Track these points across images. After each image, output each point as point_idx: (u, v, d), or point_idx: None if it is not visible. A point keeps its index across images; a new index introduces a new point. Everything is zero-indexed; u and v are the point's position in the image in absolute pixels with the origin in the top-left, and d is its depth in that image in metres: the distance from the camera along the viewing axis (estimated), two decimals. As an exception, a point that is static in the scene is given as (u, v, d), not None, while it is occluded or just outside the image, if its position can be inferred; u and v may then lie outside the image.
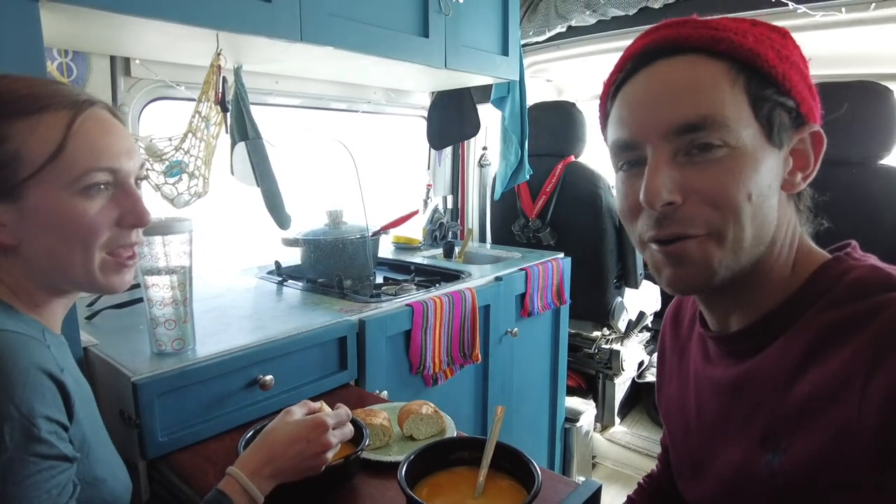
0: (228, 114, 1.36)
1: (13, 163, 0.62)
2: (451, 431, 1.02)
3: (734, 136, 0.56)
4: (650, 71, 0.60)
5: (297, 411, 0.84)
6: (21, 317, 0.67)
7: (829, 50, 2.05)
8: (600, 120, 0.70)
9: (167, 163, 1.28)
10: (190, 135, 1.28)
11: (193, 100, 1.33)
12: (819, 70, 2.24)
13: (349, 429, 0.86)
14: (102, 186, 0.67)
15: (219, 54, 1.26)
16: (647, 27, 1.99)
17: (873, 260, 0.61)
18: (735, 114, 0.56)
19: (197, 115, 1.29)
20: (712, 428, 0.69)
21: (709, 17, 0.61)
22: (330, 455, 0.81)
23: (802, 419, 0.56)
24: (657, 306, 2.69)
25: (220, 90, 1.30)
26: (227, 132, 1.38)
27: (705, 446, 0.71)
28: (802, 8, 1.67)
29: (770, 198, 0.58)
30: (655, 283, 2.74)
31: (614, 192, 2.31)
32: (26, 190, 0.63)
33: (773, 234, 0.60)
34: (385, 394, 1.32)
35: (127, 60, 1.45)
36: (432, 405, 1.04)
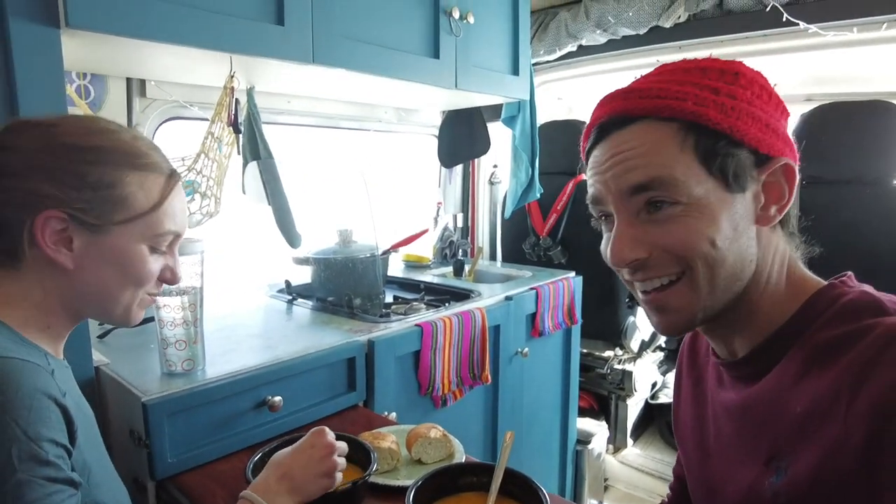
0: (240, 135, 1.38)
1: (118, 204, 0.70)
2: (460, 455, 1.01)
3: (685, 193, 0.60)
4: (608, 141, 0.65)
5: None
6: (25, 343, 0.68)
7: (841, 68, 2.04)
8: None
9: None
10: (203, 155, 1.30)
11: (206, 119, 1.35)
12: (831, 88, 2.23)
13: (343, 444, 0.86)
14: (166, 246, 0.76)
15: (232, 77, 1.28)
16: (658, 46, 1.97)
17: (866, 287, 0.63)
18: (685, 173, 0.60)
19: (210, 136, 1.30)
20: (727, 452, 0.71)
21: (658, 75, 0.65)
22: (338, 458, 0.82)
23: (800, 438, 0.58)
24: (670, 326, 2.65)
25: (233, 112, 1.31)
26: (238, 153, 1.39)
27: (721, 470, 0.72)
28: (814, 28, 1.66)
29: (738, 238, 0.61)
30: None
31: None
32: (112, 229, 0.70)
33: (754, 268, 0.63)
34: (394, 415, 1.31)
35: (142, 82, 1.48)
36: (441, 429, 1.03)
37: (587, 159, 0.69)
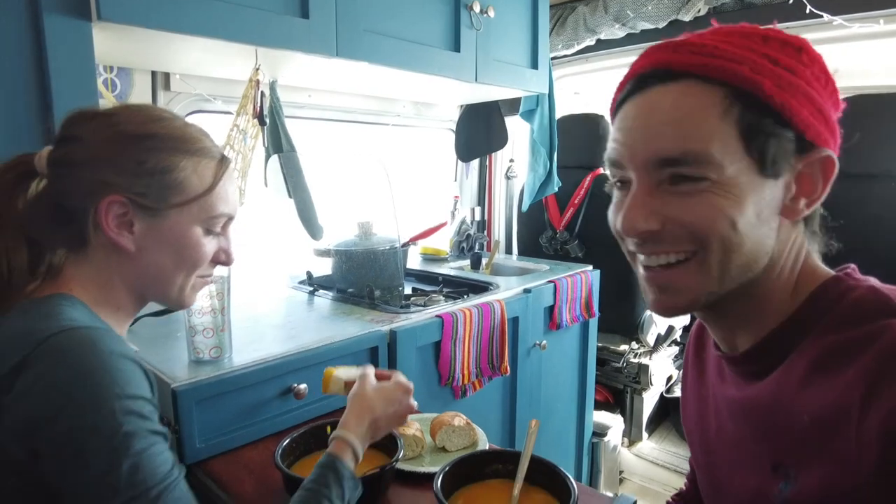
0: (265, 127, 1.40)
1: (173, 188, 0.73)
2: (483, 443, 1.02)
3: (717, 170, 0.55)
4: (644, 96, 0.60)
5: (371, 375, 0.91)
6: (99, 320, 0.72)
7: (868, 60, 2.02)
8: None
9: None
10: (228, 147, 1.31)
11: (229, 113, 1.37)
12: (856, 81, 2.20)
13: None
14: (220, 227, 0.80)
15: (257, 69, 1.30)
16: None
17: (872, 281, 0.60)
18: (721, 149, 0.55)
19: (235, 128, 1.32)
20: (730, 448, 0.69)
21: (713, 34, 0.59)
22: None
23: (806, 449, 0.56)
24: (686, 320, 2.65)
25: (258, 104, 1.33)
26: (263, 145, 1.41)
27: (724, 467, 0.71)
28: (839, 20, 1.65)
29: (760, 227, 0.57)
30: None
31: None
32: (168, 212, 0.74)
33: (768, 260, 0.59)
34: (415, 405, 1.32)
35: (167, 75, 1.50)
36: (464, 417, 1.04)
37: (615, 113, 0.64)
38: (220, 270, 1.06)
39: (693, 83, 0.57)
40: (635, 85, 0.61)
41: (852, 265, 0.62)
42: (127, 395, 0.61)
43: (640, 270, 0.63)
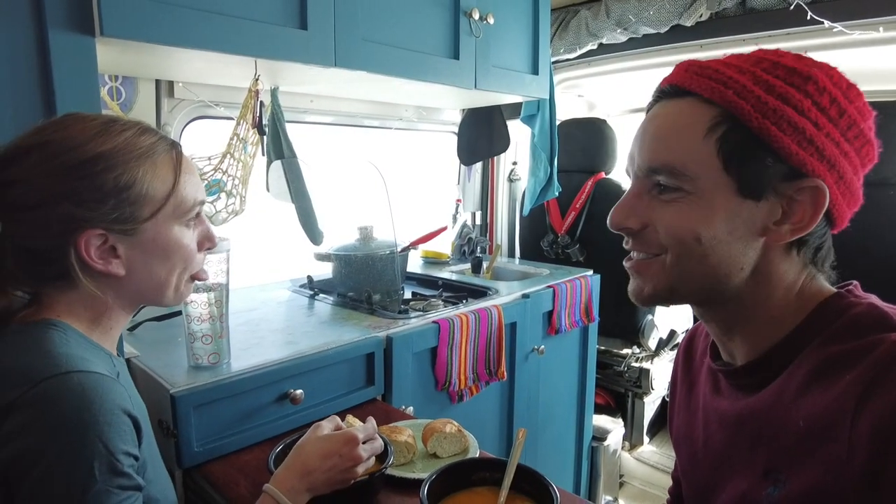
0: (265, 135, 1.42)
1: (141, 201, 0.71)
2: (474, 450, 1.04)
3: (691, 184, 0.61)
4: (655, 109, 0.67)
5: (327, 426, 0.88)
6: (94, 347, 0.72)
7: (871, 65, 2.00)
8: None
9: (206, 182, 1.33)
10: (228, 156, 1.34)
11: (231, 119, 1.39)
12: (860, 86, 2.19)
13: (379, 443, 0.90)
14: (196, 216, 0.78)
15: (257, 80, 1.32)
16: (679, 45, 1.96)
17: (873, 298, 0.62)
18: (697, 164, 0.60)
19: (235, 137, 1.34)
20: (718, 460, 0.71)
21: (728, 57, 0.63)
22: (361, 469, 0.85)
23: (799, 453, 0.58)
24: (689, 324, 2.65)
25: (258, 114, 1.35)
26: (263, 154, 1.43)
27: (711, 478, 0.72)
28: (838, 26, 1.64)
29: (732, 243, 0.61)
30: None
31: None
32: (146, 225, 0.72)
33: (745, 277, 0.62)
34: (411, 409, 1.34)
35: (171, 83, 1.53)
36: (456, 424, 1.06)
37: None
38: (218, 278, 1.09)
39: (694, 101, 0.62)
40: (657, 97, 0.68)
41: (854, 282, 0.65)
42: (111, 451, 0.60)
43: (626, 262, 0.70)
